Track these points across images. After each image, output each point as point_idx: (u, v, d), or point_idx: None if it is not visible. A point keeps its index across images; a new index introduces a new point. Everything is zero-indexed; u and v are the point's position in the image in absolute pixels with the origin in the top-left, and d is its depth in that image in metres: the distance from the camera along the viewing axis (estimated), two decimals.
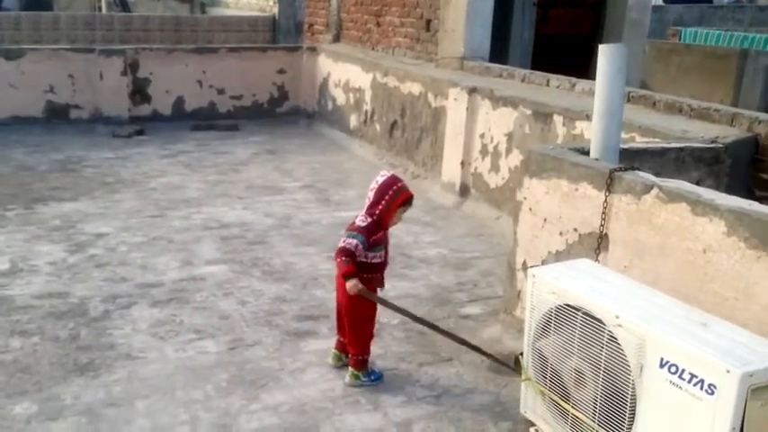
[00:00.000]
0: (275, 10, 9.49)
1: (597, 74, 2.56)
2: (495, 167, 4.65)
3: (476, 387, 2.65)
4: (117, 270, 3.65)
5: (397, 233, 4.20)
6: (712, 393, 1.66)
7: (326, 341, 2.94)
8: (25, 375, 2.63)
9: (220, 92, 7.40)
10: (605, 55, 2.53)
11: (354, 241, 2.45)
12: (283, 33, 9.23)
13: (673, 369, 1.75)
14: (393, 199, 2.48)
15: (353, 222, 2.51)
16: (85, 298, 3.30)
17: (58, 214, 4.51)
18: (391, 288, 3.24)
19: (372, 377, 2.63)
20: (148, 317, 3.12)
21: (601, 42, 2.82)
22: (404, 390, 2.61)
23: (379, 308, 2.62)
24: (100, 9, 12.27)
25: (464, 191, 4.94)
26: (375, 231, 2.49)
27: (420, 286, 3.57)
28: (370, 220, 2.48)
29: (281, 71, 7.59)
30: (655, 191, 2.25)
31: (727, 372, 1.62)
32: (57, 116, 6.87)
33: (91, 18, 9.37)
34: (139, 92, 7.10)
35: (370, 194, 2.51)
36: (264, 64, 7.52)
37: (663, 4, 13.87)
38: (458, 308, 3.35)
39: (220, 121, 7.30)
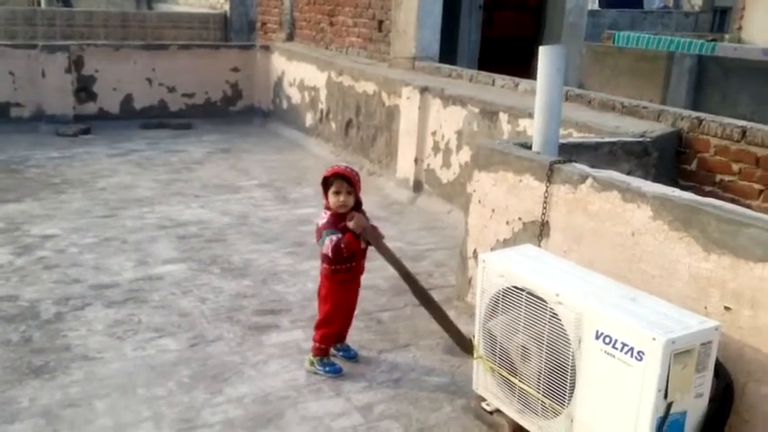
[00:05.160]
0: (226, 7, 9.37)
1: (538, 74, 2.76)
2: (446, 164, 4.83)
3: (432, 370, 2.79)
4: (68, 272, 3.57)
5: None
6: (641, 359, 1.85)
7: (288, 334, 3.01)
8: None
9: (171, 90, 7.26)
10: (545, 56, 2.73)
11: (329, 242, 2.52)
12: (235, 31, 9.13)
13: (607, 340, 1.93)
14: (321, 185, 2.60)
15: (317, 225, 2.60)
16: (36, 300, 3.22)
17: (2, 216, 4.35)
18: None
19: (327, 368, 2.69)
20: (104, 317, 3.09)
21: (542, 44, 3.02)
22: (365, 376, 2.72)
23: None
24: (39, 4, 11.72)
25: (418, 186, 5.10)
26: (338, 219, 2.56)
27: (378, 278, 3.67)
28: (328, 213, 2.58)
29: (235, 69, 7.52)
30: (589, 181, 2.46)
31: (653, 339, 1.82)
32: None
33: (31, 13, 8.95)
34: (84, 89, 6.88)
35: None
36: (217, 62, 7.44)
37: (598, 8, 14.66)
38: (414, 297, 3.49)
39: (172, 119, 7.16)
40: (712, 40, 10.03)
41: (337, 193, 2.54)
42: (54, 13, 9.16)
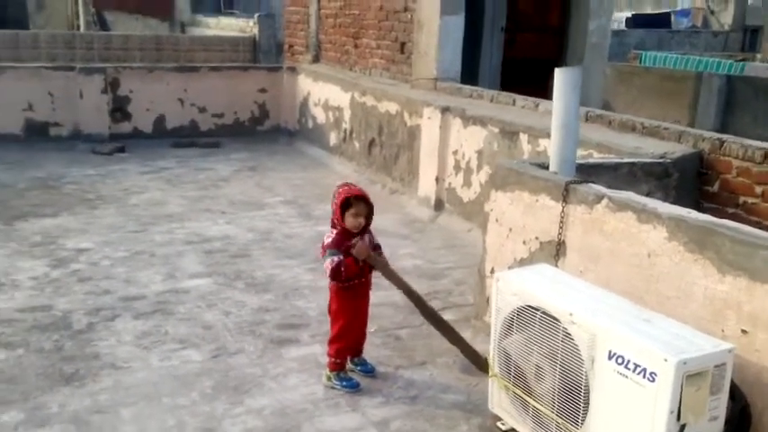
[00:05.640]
0: (255, 31, 9.71)
1: (554, 95, 2.80)
2: (467, 183, 4.88)
3: (449, 387, 2.81)
4: (100, 284, 3.72)
5: None
6: (653, 380, 1.85)
7: (308, 348, 3.08)
8: (11, 385, 2.70)
9: (202, 110, 7.53)
10: (560, 77, 2.78)
11: (329, 263, 2.57)
12: (264, 53, 9.45)
13: (619, 360, 1.94)
14: (336, 203, 2.62)
15: (323, 242, 2.65)
16: (69, 311, 3.37)
17: (39, 230, 4.56)
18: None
19: (344, 383, 2.73)
20: (132, 328, 3.21)
21: (565, 65, 3.06)
22: (381, 392, 2.76)
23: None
24: (78, 27, 12.33)
25: (439, 205, 5.15)
26: (344, 239, 2.61)
27: (396, 295, 3.68)
28: (334, 232, 2.63)
29: (263, 90, 7.76)
30: (605, 201, 2.48)
31: (665, 360, 1.82)
32: (36, 134, 6.90)
33: (70, 37, 9.45)
34: (120, 110, 7.19)
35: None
36: (246, 83, 7.69)
37: (625, 28, 14.60)
38: (424, 318, 3.51)
39: (202, 138, 7.42)
40: (742, 60, 9.88)
41: (357, 215, 2.60)
42: (92, 37, 9.64)
